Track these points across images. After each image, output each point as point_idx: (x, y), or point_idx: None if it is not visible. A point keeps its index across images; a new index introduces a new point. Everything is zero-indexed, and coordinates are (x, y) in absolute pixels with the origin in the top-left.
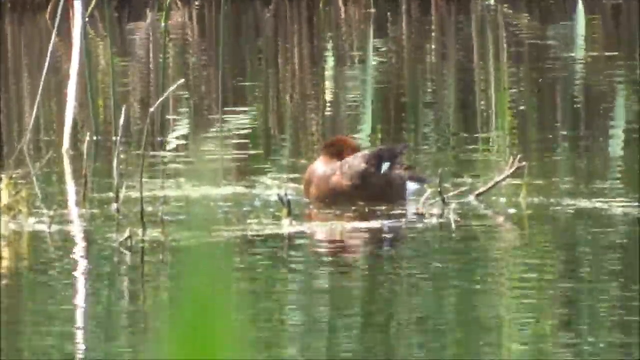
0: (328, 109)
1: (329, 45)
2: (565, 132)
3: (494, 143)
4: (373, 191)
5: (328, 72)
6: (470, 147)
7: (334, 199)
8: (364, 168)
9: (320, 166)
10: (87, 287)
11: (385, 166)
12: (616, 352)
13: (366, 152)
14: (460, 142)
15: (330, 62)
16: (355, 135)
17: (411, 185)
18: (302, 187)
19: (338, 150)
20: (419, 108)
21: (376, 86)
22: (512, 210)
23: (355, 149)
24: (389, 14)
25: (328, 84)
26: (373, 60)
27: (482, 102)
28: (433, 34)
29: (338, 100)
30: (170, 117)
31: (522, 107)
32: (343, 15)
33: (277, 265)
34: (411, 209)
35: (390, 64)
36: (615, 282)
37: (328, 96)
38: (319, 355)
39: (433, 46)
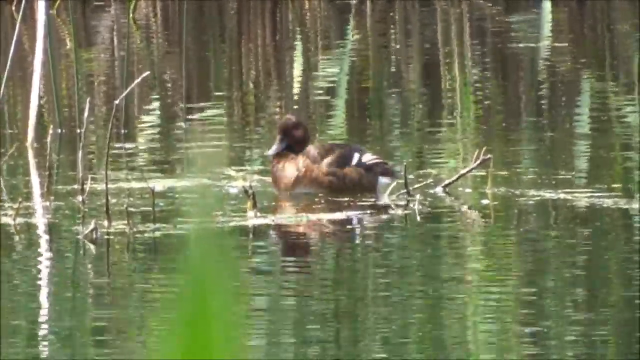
0: (295, 97)
1: (296, 34)
2: (530, 123)
3: (458, 134)
4: (344, 183)
5: (295, 61)
6: (435, 138)
7: (306, 188)
8: (338, 158)
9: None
10: (52, 279)
11: (356, 158)
12: (581, 342)
13: (336, 144)
14: (425, 134)
15: (297, 50)
16: (329, 122)
17: (383, 180)
18: (267, 179)
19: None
20: (383, 100)
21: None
22: (477, 202)
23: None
24: (353, 1)
25: (295, 73)
26: (338, 48)
27: (448, 93)
28: (396, 22)
29: (306, 88)
30: (135, 109)
31: (487, 98)
32: (307, 5)
33: (242, 257)
34: (377, 200)
35: (355, 52)
36: (579, 272)
37: (295, 86)
38: (286, 345)
39: (397, 35)
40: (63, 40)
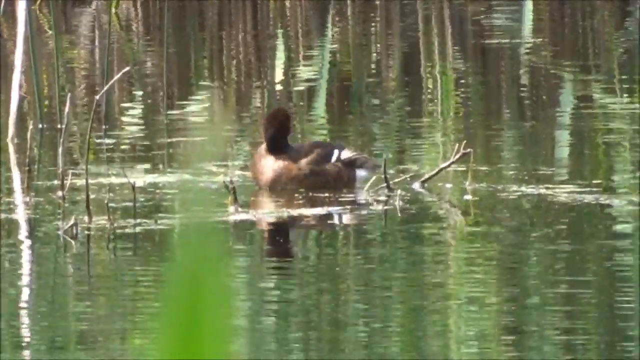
0: (277, 90)
1: (277, 26)
2: (511, 117)
3: (439, 128)
4: (325, 180)
5: (276, 54)
6: (416, 132)
7: (285, 186)
8: (317, 156)
9: (268, 154)
10: (32, 275)
11: (335, 155)
12: (561, 335)
13: (318, 142)
14: (406, 127)
15: (279, 42)
16: (311, 113)
17: (360, 173)
18: (248, 173)
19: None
20: (363, 92)
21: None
22: (458, 197)
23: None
24: None
25: (276, 66)
26: (319, 39)
27: (428, 88)
28: (377, 18)
29: (287, 81)
30: (116, 104)
31: (468, 91)
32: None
33: (222, 252)
34: (357, 196)
35: (335, 43)
36: (560, 268)
37: (276, 78)
38: (266, 343)
39: (377, 26)
40: (44, 35)
